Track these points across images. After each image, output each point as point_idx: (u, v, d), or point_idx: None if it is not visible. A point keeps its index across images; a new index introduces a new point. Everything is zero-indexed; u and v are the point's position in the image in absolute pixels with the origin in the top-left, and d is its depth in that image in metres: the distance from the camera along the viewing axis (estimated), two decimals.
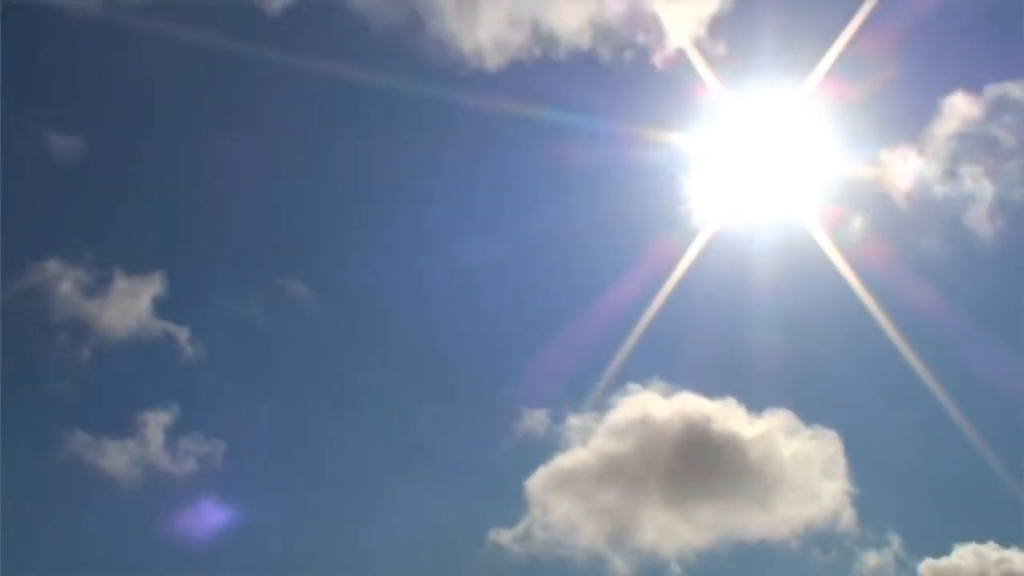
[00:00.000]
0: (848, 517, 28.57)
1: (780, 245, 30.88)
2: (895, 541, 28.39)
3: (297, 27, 29.91)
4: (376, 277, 31.47)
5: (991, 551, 27.29)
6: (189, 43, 29.20)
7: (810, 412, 29.31)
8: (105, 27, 28.99)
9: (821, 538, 28.47)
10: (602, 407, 29.82)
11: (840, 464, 28.99)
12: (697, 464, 29.37)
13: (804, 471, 29.36)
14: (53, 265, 28.46)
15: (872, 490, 28.76)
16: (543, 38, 30.15)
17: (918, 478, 29.46)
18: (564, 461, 29.53)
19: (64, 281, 28.30)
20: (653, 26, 30.39)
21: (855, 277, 28.98)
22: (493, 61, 30.14)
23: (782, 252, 30.68)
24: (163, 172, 30.89)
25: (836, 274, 29.02)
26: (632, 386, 29.55)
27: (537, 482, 29.03)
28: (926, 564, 27.81)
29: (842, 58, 28.50)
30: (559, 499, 29.02)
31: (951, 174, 31.12)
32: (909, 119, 31.01)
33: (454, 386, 30.56)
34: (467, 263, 31.12)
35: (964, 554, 27.44)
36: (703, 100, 29.94)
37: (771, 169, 31.32)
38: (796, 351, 29.98)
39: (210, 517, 27.39)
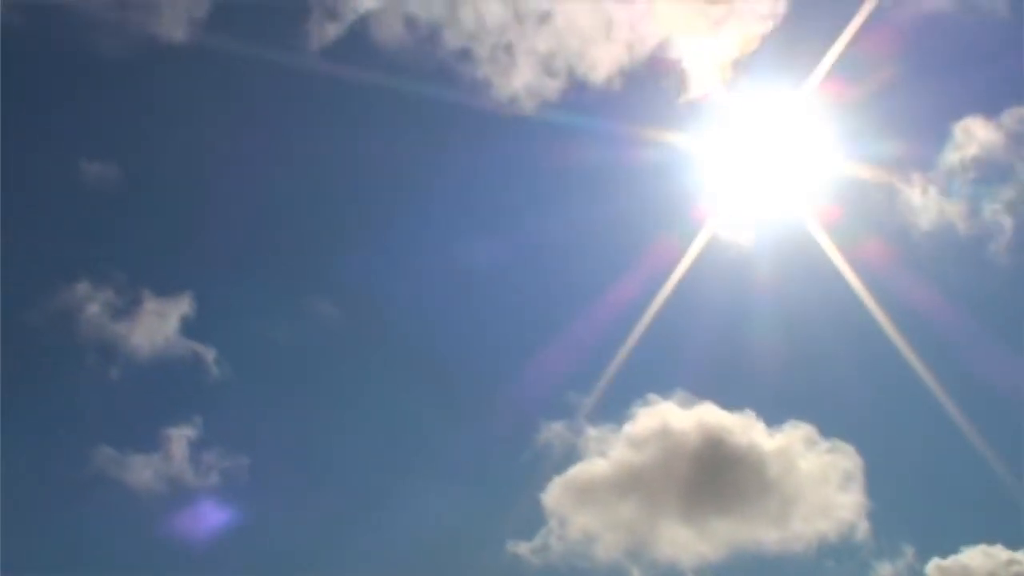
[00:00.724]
0: (863, 529, 28.87)
1: (786, 249, 31.42)
2: (909, 552, 28.68)
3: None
4: (396, 295, 32.17)
5: (1000, 552, 27.39)
6: (214, 65, 30.34)
7: (824, 424, 29.73)
8: (127, 55, 30.01)
9: (835, 550, 28.76)
10: (620, 418, 30.18)
11: (857, 478, 29.27)
12: (715, 477, 29.60)
13: (820, 484, 29.65)
14: (83, 287, 29.42)
15: (886, 501, 29.11)
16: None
17: (930, 485, 29.85)
18: (582, 472, 29.87)
19: (93, 303, 29.20)
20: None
21: (861, 282, 29.38)
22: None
23: (790, 261, 31.30)
24: (190, 195, 31.75)
25: (843, 281, 29.45)
26: (650, 397, 29.91)
27: (555, 493, 29.40)
28: (934, 564, 28.04)
29: (843, 58, 28.95)
30: (577, 511, 29.30)
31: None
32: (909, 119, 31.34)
33: (472, 398, 31.04)
34: (480, 272, 31.83)
35: (973, 555, 27.65)
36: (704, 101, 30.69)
37: (779, 170, 31.87)
38: (802, 355, 30.50)
39: (230, 527, 28.12)
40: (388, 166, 31.61)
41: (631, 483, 29.63)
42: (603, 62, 30.78)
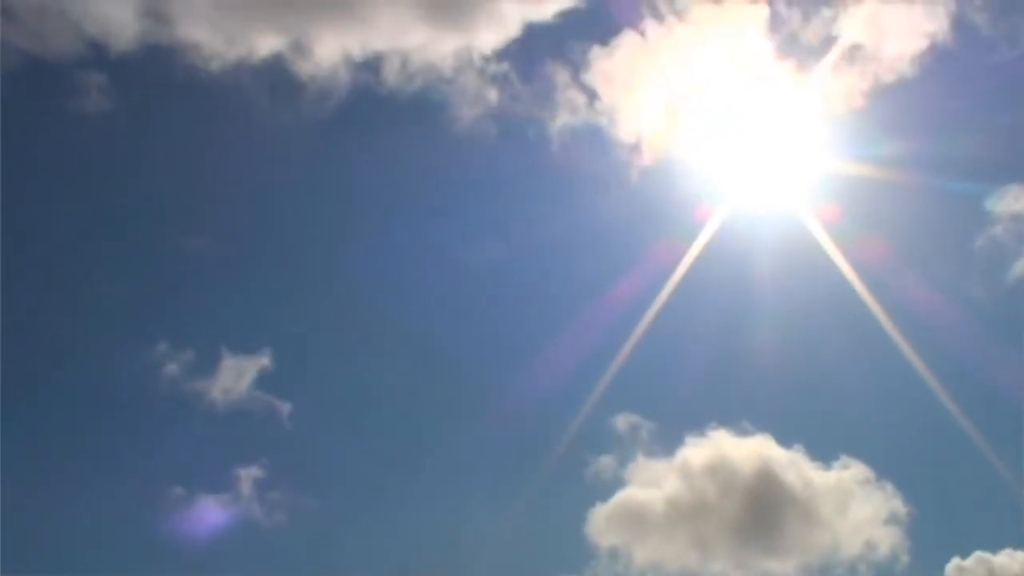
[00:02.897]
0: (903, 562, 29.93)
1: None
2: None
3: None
4: (466, 351, 33.64)
5: None
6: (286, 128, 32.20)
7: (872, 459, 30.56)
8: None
9: None
10: (668, 451, 31.09)
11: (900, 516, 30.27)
12: (760, 512, 30.25)
13: (863, 520, 30.50)
14: (163, 347, 31.17)
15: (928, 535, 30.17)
16: None
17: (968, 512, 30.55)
18: (629, 505, 30.54)
19: (172, 363, 31.01)
20: None
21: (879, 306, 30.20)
22: None
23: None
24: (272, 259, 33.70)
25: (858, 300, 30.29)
26: (706, 428, 30.78)
27: (601, 526, 30.13)
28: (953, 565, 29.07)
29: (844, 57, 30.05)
30: (624, 544, 30.00)
31: None
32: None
33: (525, 434, 31.74)
34: (537, 302, 33.15)
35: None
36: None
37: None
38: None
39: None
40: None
41: (678, 517, 30.25)
42: None
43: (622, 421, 31.25)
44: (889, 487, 30.24)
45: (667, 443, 31.08)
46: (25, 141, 30.49)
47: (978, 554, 28.77)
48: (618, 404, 31.24)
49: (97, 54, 30.05)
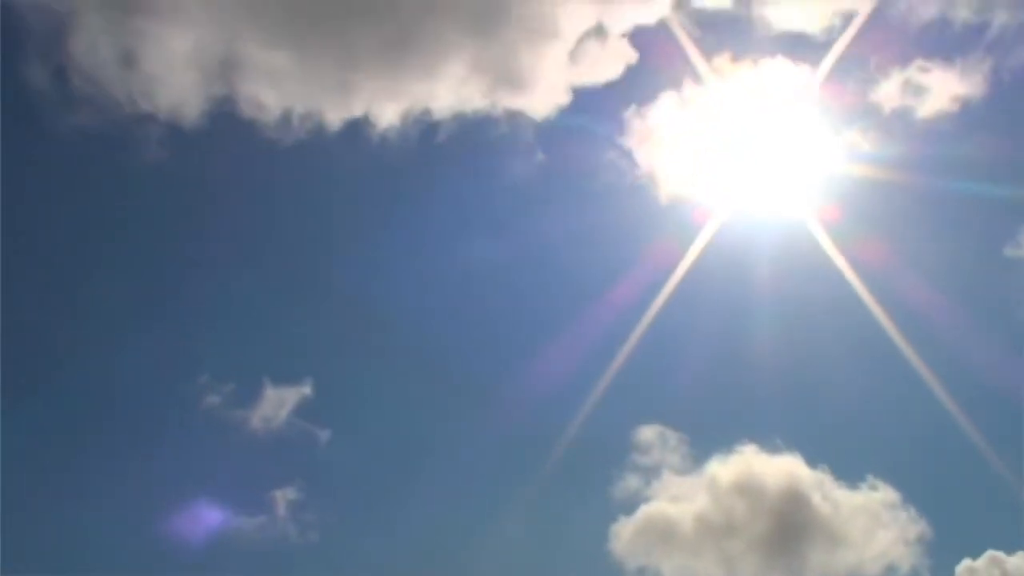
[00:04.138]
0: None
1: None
2: None
3: None
4: (505, 385, 33.97)
5: None
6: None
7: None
8: None
9: None
10: (695, 468, 31.54)
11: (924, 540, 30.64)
12: (787, 531, 30.55)
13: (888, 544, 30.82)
14: (205, 379, 32.43)
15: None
16: None
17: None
18: (656, 521, 30.96)
19: (213, 394, 32.18)
20: None
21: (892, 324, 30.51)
22: None
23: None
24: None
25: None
26: (734, 445, 31.18)
27: (627, 543, 30.55)
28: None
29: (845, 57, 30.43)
30: (651, 560, 30.42)
31: None
32: None
33: (551, 454, 31.92)
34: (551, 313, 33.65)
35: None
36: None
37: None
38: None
39: None
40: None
41: (706, 534, 30.61)
42: None
43: (646, 433, 31.86)
44: (911, 509, 30.76)
45: (693, 458, 31.69)
46: (95, 196, 32.97)
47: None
48: (640, 414, 32.14)
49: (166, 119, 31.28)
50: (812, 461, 30.98)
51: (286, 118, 31.48)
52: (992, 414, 30.60)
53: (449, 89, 31.74)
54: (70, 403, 31.62)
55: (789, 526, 30.34)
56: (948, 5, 32.13)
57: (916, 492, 30.85)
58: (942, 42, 32.88)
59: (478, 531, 31.40)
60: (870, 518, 30.67)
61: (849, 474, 31.03)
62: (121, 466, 31.60)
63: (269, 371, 32.12)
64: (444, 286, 35.30)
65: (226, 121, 31.51)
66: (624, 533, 30.53)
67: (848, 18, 31.05)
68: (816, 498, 30.67)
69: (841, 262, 30.90)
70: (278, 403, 31.77)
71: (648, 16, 31.82)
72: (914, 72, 32.33)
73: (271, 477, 31.76)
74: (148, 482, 31.42)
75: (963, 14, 32.36)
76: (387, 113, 32.02)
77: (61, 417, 31.41)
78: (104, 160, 32.62)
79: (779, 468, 30.77)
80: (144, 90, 30.61)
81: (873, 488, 30.92)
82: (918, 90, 32.27)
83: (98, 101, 30.44)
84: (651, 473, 31.35)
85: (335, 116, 31.77)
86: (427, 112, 32.13)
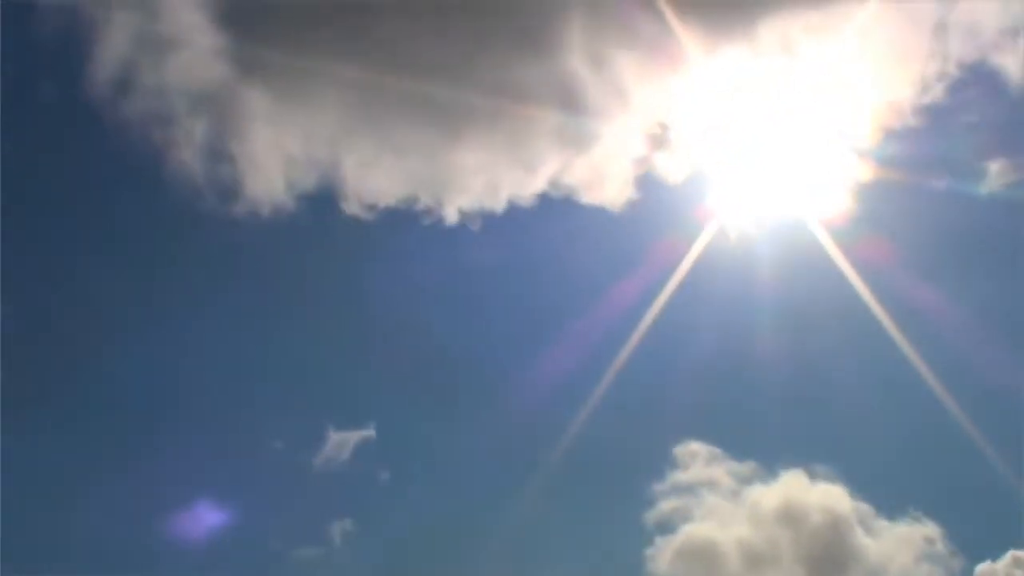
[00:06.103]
0: None
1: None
2: None
3: None
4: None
5: None
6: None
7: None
8: None
9: None
10: (735, 492, 31.83)
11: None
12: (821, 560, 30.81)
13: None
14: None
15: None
16: None
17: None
18: (693, 543, 31.10)
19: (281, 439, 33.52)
20: None
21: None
22: None
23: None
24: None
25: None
26: (778, 470, 31.61)
27: (664, 566, 30.81)
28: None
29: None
30: None
31: None
32: None
33: (582, 471, 32.21)
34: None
35: None
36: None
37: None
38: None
39: None
40: None
41: (744, 558, 30.79)
42: None
43: (685, 450, 32.23)
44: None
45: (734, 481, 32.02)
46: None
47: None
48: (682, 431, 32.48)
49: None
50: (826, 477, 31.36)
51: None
52: (993, 414, 30.91)
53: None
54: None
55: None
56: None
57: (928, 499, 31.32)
58: None
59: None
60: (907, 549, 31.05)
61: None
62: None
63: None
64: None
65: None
66: (661, 553, 30.87)
67: None
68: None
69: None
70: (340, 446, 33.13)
71: None
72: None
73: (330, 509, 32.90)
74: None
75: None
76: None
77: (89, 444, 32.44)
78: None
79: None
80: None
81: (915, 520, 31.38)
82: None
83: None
84: (687, 492, 31.59)
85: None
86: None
